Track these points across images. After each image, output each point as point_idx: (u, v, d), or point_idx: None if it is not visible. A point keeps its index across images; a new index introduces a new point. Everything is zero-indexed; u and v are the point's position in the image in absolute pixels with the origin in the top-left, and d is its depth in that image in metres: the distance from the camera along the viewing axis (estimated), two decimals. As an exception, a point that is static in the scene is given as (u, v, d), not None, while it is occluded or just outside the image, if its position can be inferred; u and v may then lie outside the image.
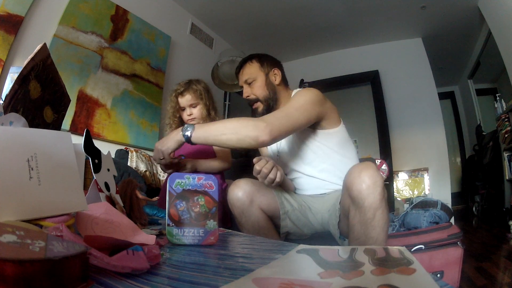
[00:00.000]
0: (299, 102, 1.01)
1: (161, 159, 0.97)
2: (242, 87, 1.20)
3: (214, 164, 1.25)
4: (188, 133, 0.93)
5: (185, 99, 1.31)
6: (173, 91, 1.34)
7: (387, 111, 3.31)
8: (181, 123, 1.37)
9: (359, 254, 0.40)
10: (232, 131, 0.91)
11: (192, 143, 0.94)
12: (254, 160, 0.93)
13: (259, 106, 1.16)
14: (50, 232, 0.32)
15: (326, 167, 1.12)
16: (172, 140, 0.94)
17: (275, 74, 1.17)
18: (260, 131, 0.88)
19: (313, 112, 1.02)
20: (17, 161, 0.34)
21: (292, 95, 1.17)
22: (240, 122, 0.92)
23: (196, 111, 1.33)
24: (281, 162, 1.20)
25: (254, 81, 1.15)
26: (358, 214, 0.78)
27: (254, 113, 1.21)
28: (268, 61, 1.18)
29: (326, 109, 1.09)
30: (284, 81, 1.21)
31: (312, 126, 1.09)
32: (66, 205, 0.38)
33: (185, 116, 1.34)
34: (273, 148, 1.24)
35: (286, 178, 1.18)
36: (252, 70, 1.16)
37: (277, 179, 0.93)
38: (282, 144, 1.20)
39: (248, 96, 1.17)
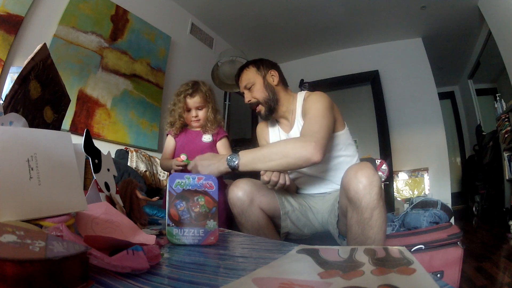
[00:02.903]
0: (321, 110, 1.02)
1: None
2: (243, 93, 1.21)
3: None
4: (234, 164, 0.95)
5: (193, 101, 1.32)
6: (180, 91, 1.35)
7: (387, 111, 3.31)
8: (184, 123, 1.38)
9: (359, 254, 0.40)
10: (280, 156, 0.91)
11: (238, 172, 0.97)
12: (261, 172, 0.94)
13: (261, 109, 1.18)
14: (50, 232, 0.32)
15: (330, 167, 1.13)
16: (216, 169, 0.97)
17: (272, 75, 1.19)
18: (310, 152, 0.88)
19: (332, 117, 1.05)
20: (17, 161, 0.34)
21: (299, 98, 1.17)
22: (287, 145, 0.92)
23: (202, 113, 1.35)
24: None
25: (253, 85, 1.17)
26: (356, 214, 0.78)
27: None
28: (264, 64, 1.20)
29: (335, 113, 1.10)
30: (283, 82, 1.22)
31: None
32: (66, 205, 0.38)
33: (189, 117, 1.35)
34: None
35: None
36: (250, 75, 1.18)
37: (287, 183, 0.94)
38: None
39: (249, 100, 1.18)
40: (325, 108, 1.02)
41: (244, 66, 1.22)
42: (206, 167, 0.98)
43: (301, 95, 1.18)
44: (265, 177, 0.92)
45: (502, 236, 2.27)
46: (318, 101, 1.05)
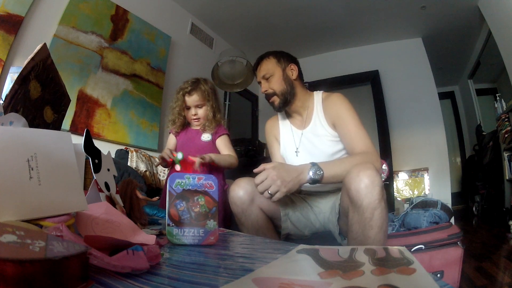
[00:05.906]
0: (353, 115, 1.07)
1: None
2: (260, 83, 1.21)
3: (226, 157, 1.31)
4: (318, 177, 0.90)
5: (192, 99, 1.32)
6: (180, 89, 1.34)
7: (387, 111, 3.31)
8: (185, 121, 1.38)
9: (359, 254, 0.40)
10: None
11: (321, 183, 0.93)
12: (256, 173, 0.91)
13: (275, 100, 1.17)
14: (50, 232, 0.32)
15: None
16: (298, 184, 0.90)
17: (291, 69, 1.18)
18: (379, 162, 0.95)
19: None
20: (17, 161, 0.34)
21: (316, 97, 1.17)
22: (362, 158, 0.94)
23: (201, 112, 1.34)
24: (298, 160, 1.19)
25: (272, 76, 1.16)
26: (357, 214, 0.78)
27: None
28: (285, 57, 1.20)
29: None
30: (301, 78, 1.22)
31: (333, 128, 1.11)
32: (66, 205, 0.38)
33: (189, 115, 1.35)
34: (291, 147, 1.22)
35: None
36: (269, 66, 1.17)
37: (276, 196, 0.88)
38: (302, 141, 1.19)
39: (266, 90, 1.17)
40: (354, 113, 1.07)
41: (264, 56, 1.21)
42: (284, 182, 0.88)
43: (317, 94, 1.18)
44: (256, 180, 0.88)
45: (502, 236, 2.27)
46: (347, 107, 1.08)
